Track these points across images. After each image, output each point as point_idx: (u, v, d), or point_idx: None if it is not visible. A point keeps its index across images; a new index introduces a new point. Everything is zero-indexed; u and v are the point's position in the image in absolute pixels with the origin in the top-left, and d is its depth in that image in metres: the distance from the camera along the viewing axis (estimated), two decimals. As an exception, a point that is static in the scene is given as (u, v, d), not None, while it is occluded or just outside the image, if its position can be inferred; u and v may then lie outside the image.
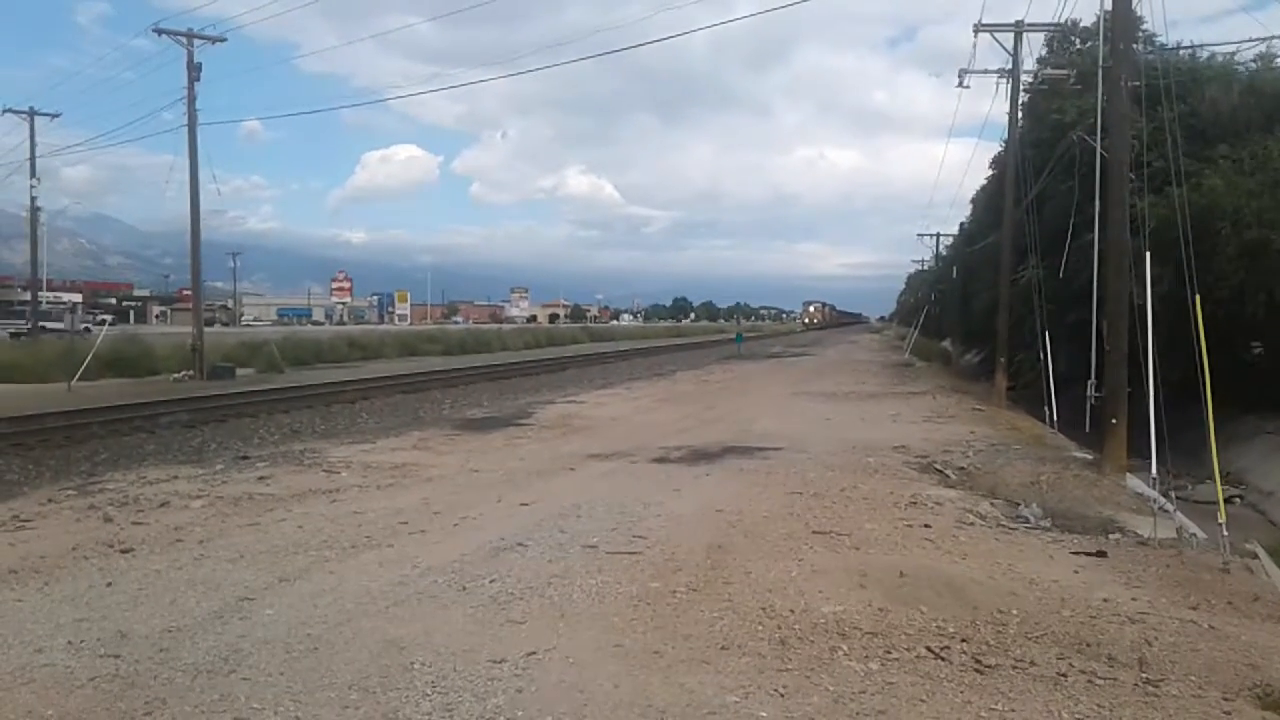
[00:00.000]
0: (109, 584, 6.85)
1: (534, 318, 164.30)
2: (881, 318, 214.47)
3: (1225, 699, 5.02)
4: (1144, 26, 19.94)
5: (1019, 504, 10.51)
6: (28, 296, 53.68)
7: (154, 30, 30.86)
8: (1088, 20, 25.80)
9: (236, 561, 7.51)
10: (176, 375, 29.94)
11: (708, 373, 34.93)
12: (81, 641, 5.64)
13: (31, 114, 41.22)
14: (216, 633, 5.81)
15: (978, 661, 5.43)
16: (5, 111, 41.39)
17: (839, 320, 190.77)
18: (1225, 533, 8.81)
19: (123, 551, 7.81)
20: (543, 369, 37.66)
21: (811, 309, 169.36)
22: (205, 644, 5.60)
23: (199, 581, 6.92)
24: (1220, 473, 10.15)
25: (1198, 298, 10.47)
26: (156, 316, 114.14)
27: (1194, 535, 9.70)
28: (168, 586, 6.80)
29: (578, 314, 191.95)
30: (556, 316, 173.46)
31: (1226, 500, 10.19)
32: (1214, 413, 9.91)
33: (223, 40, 31.44)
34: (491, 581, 6.93)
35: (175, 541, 8.19)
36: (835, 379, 32.08)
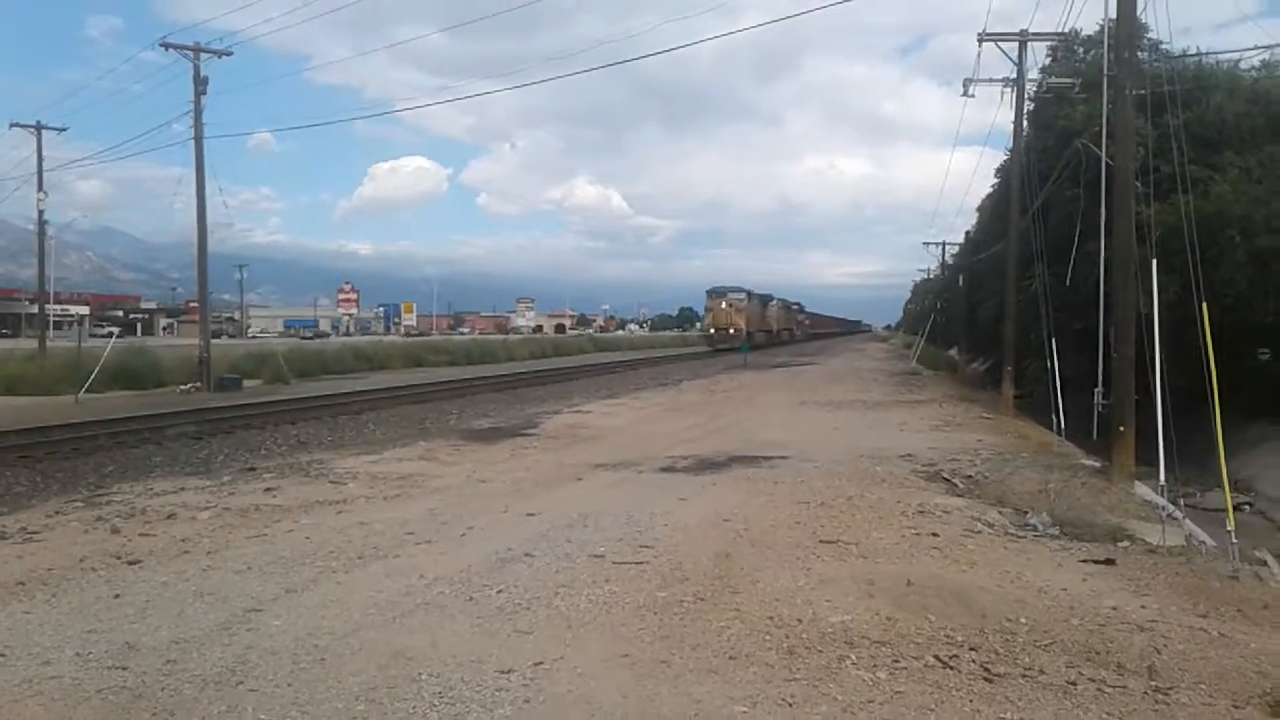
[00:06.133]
0: (116, 596, 6.86)
1: (540, 328, 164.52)
2: (888, 326, 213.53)
3: (1235, 707, 5.00)
4: (1149, 34, 19.95)
5: (1027, 512, 10.48)
6: (35, 309, 53.88)
7: (161, 44, 31.05)
8: (1091, 29, 25.86)
9: (244, 573, 7.52)
10: (183, 387, 29.99)
11: (714, 382, 34.89)
12: (89, 653, 5.64)
13: (39, 128, 41.37)
14: (224, 644, 5.80)
15: (986, 670, 5.41)
16: (12, 126, 41.61)
17: (811, 329, 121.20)
18: (1234, 540, 8.78)
19: (130, 563, 7.82)
20: (549, 379, 37.67)
21: (725, 305, 73.84)
22: (213, 655, 5.60)
23: (206, 593, 6.92)
24: (1229, 480, 10.12)
25: (1205, 305, 10.46)
26: (164, 329, 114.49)
27: (1203, 543, 9.68)
28: (175, 598, 6.80)
29: (583, 324, 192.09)
30: (563, 327, 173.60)
31: (1235, 507, 10.15)
32: (1222, 419, 9.89)
33: (229, 54, 31.53)
34: (499, 592, 6.92)
35: (183, 553, 8.20)
36: (841, 388, 32.03)
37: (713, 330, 74.53)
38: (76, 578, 7.38)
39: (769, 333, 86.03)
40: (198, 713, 4.81)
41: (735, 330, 72.15)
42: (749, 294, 77.58)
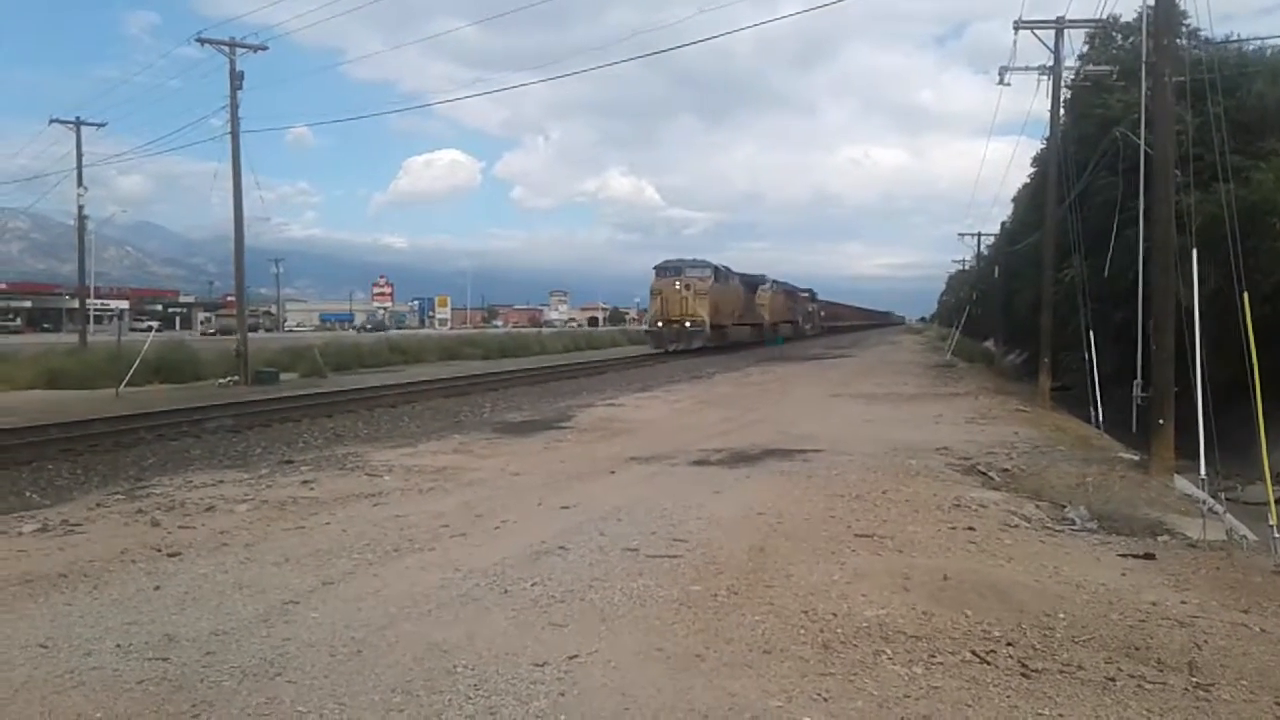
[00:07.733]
0: (156, 587, 6.94)
1: (573, 320, 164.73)
2: (922, 318, 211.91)
3: (1278, 704, 4.92)
4: (1187, 20, 19.67)
5: (1064, 506, 10.37)
6: (76, 304, 54.68)
7: (197, 40, 31.35)
8: (1129, 15, 25.53)
9: (281, 565, 7.59)
10: (221, 381, 30.31)
11: (746, 375, 34.80)
12: (130, 645, 5.72)
13: (78, 124, 42.00)
14: (262, 636, 5.86)
15: (1024, 666, 5.36)
16: (52, 122, 42.23)
17: (826, 320, 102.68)
18: (1276, 534, 8.68)
19: (170, 555, 7.91)
20: (582, 372, 37.69)
21: (679, 286, 49.87)
22: (251, 647, 5.66)
23: (245, 585, 7.00)
24: (1270, 473, 9.98)
25: (1246, 295, 10.31)
26: (201, 323, 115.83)
27: (1244, 537, 9.55)
28: (214, 590, 6.88)
29: (616, 317, 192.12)
30: (596, 319, 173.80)
31: (1277, 501, 10.01)
32: (1263, 411, 9.75)
33: (264, 49, 31.77)
34: (533, 585, 6.94)
35: (221, 545, 8.29)
36: (876, 380, 31.84)
37: (659, 324, 51.29)
38: (117, 570, 7.47)
39: (756, 326, 63.66)
40: (236, 704, 4.86)
41: (693, 322, 50.18)
42: (717, 270, 53.91)
